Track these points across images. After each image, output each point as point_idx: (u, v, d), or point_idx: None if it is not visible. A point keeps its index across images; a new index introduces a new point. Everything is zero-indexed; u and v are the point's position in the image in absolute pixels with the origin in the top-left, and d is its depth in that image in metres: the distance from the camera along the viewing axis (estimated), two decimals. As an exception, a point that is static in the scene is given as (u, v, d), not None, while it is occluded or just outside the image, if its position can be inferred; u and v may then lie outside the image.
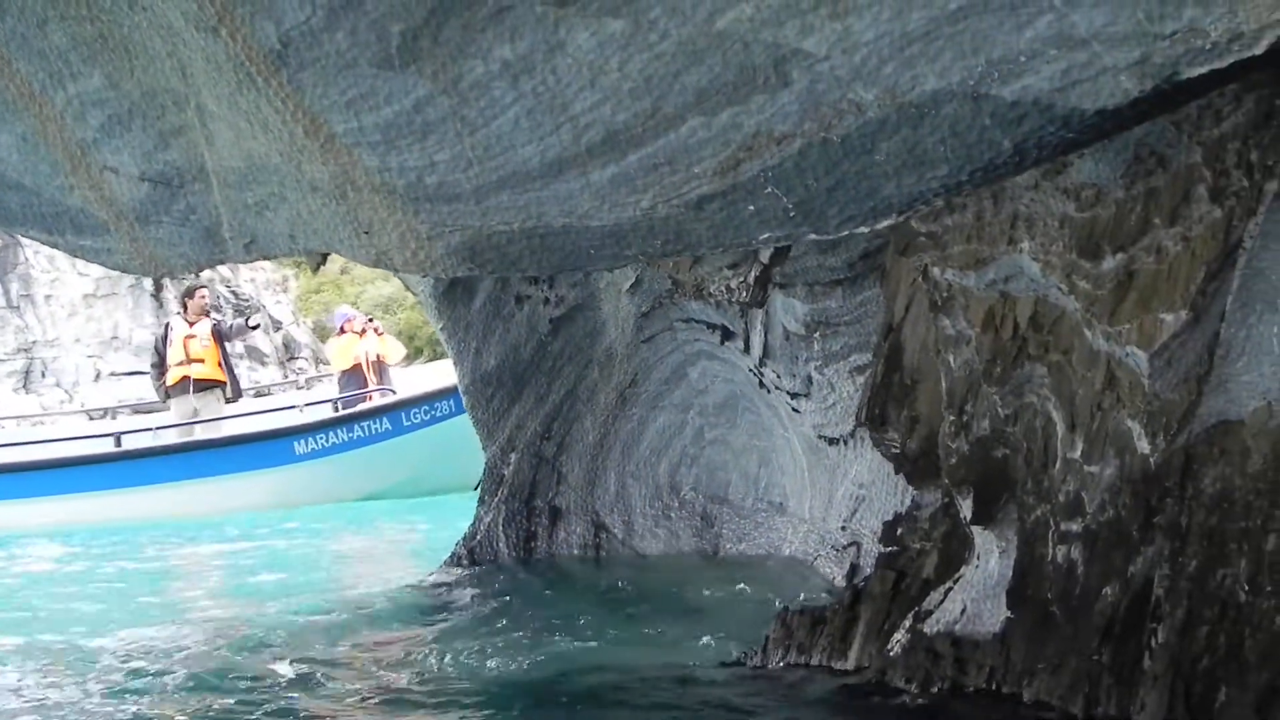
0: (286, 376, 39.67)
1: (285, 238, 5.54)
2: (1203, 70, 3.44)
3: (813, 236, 4.31)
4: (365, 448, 22.23)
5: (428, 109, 4.50)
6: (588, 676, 8.56)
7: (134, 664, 9.40)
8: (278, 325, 40.05)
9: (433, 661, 9.04)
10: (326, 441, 22.33)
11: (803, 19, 3.75)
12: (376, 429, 22.23)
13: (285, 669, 8.99)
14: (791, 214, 4.20)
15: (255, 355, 37.24)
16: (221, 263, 6.05)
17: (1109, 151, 6.24)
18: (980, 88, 3.69)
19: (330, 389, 26.43)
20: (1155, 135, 6.16)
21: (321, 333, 46.87)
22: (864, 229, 4.23)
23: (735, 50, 3.89)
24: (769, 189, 4.14)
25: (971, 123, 3.78)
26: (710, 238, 4.44)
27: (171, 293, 41.41)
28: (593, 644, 9.32)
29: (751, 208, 4.24)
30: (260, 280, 43.22)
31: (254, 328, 26.20)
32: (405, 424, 22.18)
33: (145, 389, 34.35)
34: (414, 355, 43.13)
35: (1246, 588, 6.37)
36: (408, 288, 12.04)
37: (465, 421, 20.66)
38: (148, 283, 42.60)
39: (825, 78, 3.84)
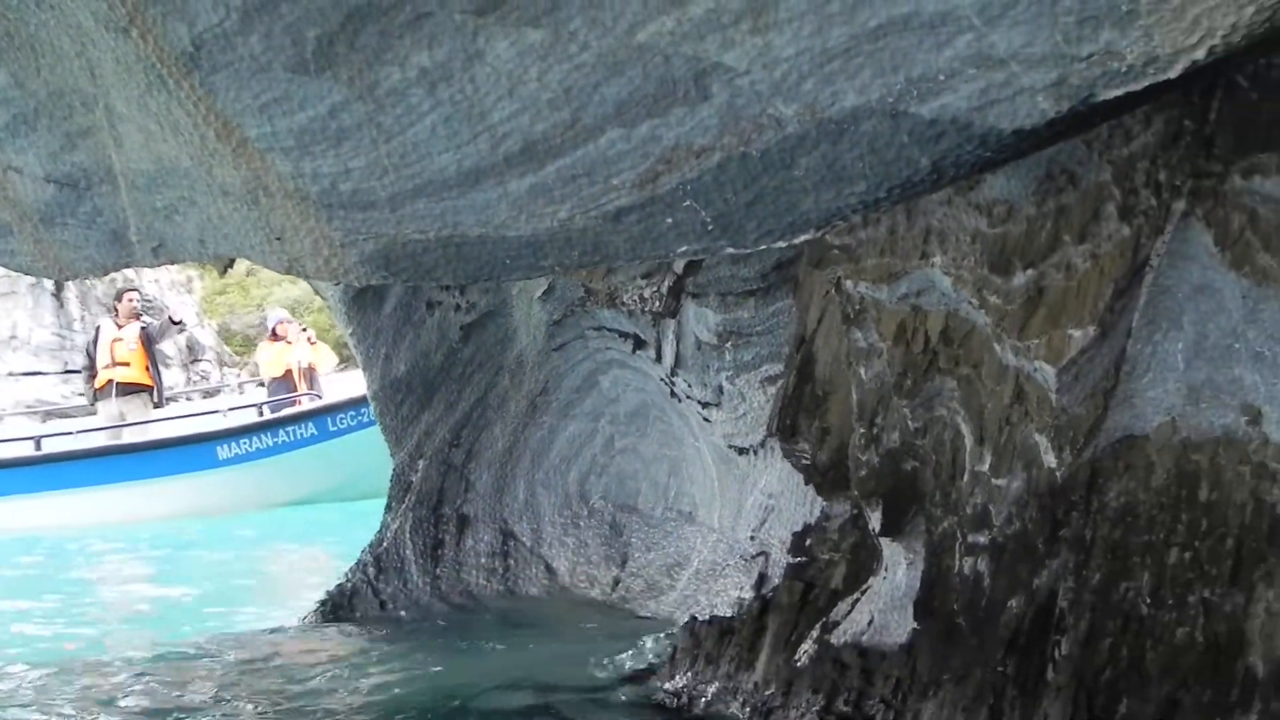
0: (190, 380, 39.25)
1: (194, 242, 5.46)
2: (1118, 92, 3.49)
3: (730, 250, 4.32)
4: (290, 453, 21.94)
5: (343, 115, 4.45)
6: (488, 695, 8.53)
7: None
8: (181, 327, 39.58)
9: (328, 684, 8.98)
10: (250, 446, 22.02)
11: (724, 33, 3.76)
12: (302, 434, 21.94)
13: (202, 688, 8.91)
14: (710, 227, 4.20)
15: (160, 358, 36.78)
16: (128, 266, 5.95)
17: (1021, 168, 6.32)
18: (899, 105, 3.72)
19: (260, 394, 26.13)
20: (1066, 153, 6.24)
21: (226, 335, 46.38)
22: (782, 243, 4.24)
23: (656, 63, 3.89)
24: (687, 202, 4.15)
25: (890, 140, 3.80)
26: (628, 250, 4.43)
27: (73, 293, 40.73)
28: (495, 662, 9.30)
29: (670, 220, 4.24)
30: (165, 281, 42.66)
31: (178, 323, 25.85)
32: (331, 429, 21.90)
33: (45, 389, 33.80)
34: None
35: (1149, 601, 6.46)
36: (317, 292, 11.94)
37: None
38: (48, 282, 41.91)
39: (745, 92, 3.85)
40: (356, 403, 21.55)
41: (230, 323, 46.79)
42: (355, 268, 4.95)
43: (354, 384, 25.49)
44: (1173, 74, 3.38)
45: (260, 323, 44.95)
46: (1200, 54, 3.33)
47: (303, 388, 23.89)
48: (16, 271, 6.48)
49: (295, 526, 19.84)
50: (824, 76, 3.73)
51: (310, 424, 21.99)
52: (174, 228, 5.48)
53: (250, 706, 8.40)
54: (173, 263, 5.92)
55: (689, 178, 4.08)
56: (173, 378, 38.18)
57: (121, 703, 8.53)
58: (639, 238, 4.35)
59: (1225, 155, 6.04)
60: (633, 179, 4.16)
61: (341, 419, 21.72)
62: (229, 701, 8.52)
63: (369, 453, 20.85)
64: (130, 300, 24.13)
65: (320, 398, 23.20)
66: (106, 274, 6.38)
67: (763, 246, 4.25)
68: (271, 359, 24.81)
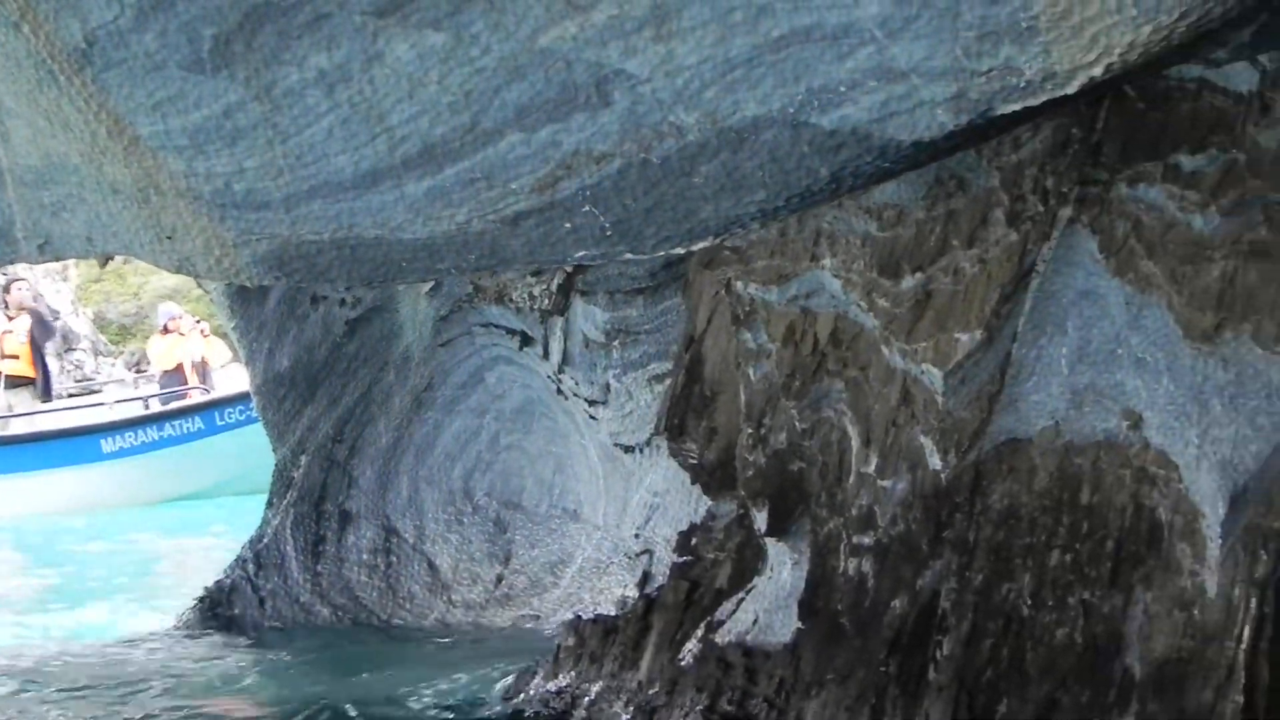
0: (64, 369, 38.45)
1: (82, 240, 5.35)
2: (1016, 107, 3.53)
3: (629, 256, 4.32)
4: (176, 447, 21.51)
5: (238, 115, 4.38)
6: (373, 705, 8.48)
7: None
8: (56, 315, 38.75)
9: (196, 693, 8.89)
10: (135, 440, 21.55)
11: (626, 40, 3.75)
12: (189, 428, 21.48)
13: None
14: (608, 233, 4.19)
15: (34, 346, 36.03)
16: (13, 262, 5.84)
17: (911, 174, 6.37)
18: (800, 116, 3.73)
19: (148, 388, 25.64)
20: (956, 159, 6.31)
21: (102, 324, 45.46)
22: (680, 250, 4.24)
23: (557, 68, 3.87)
24: (587, 208, 4.13)
25: (790, 150, 3.81)
26: (525, 254, 4.41)
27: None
28: (379, 670, 9.24)
29: (568, 225, 4.22)
30: (39, 269, 41.75)
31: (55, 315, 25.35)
32: (219, 423, 21.47)
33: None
34: (197, 348, 42.11)
35: (1029, 602, 6.56)
36: (200, 285, 11.76)
37: None
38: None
39: (647, 99, 3.84)
40: (245, 397, 21.21)
41: (106, 311, 45.89)
42: (247, 268, 4.88)
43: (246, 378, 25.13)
44: (1070, 90, 3.43)
45: (137, 311, 44.22)
46: (1098, 71, 3.38)
47: (194, 381, 23.52)
48: (-102, 264, 6.32)
49: (180, 521, 19.51)
50: (726, 85, 3.74)
51: (197, 418, 21.57)
52: (61, 225, 5.36)
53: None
54: (59, 259, 5.80)
55: (589, 183, 4.07)
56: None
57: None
58: (537, 242, 4.33)
59: (1111, 164, 6.15)
60: (532, 184, 4.14)
61: (229, 413, 21.34)
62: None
63: (257, 448, 20.59)
64: (19, 291, 23.67)
65: (210, 391, 22.81)
66: (-11, 269, 6.25)
67: (661, 253, 4.25)
68: (163, 352, 24.39)
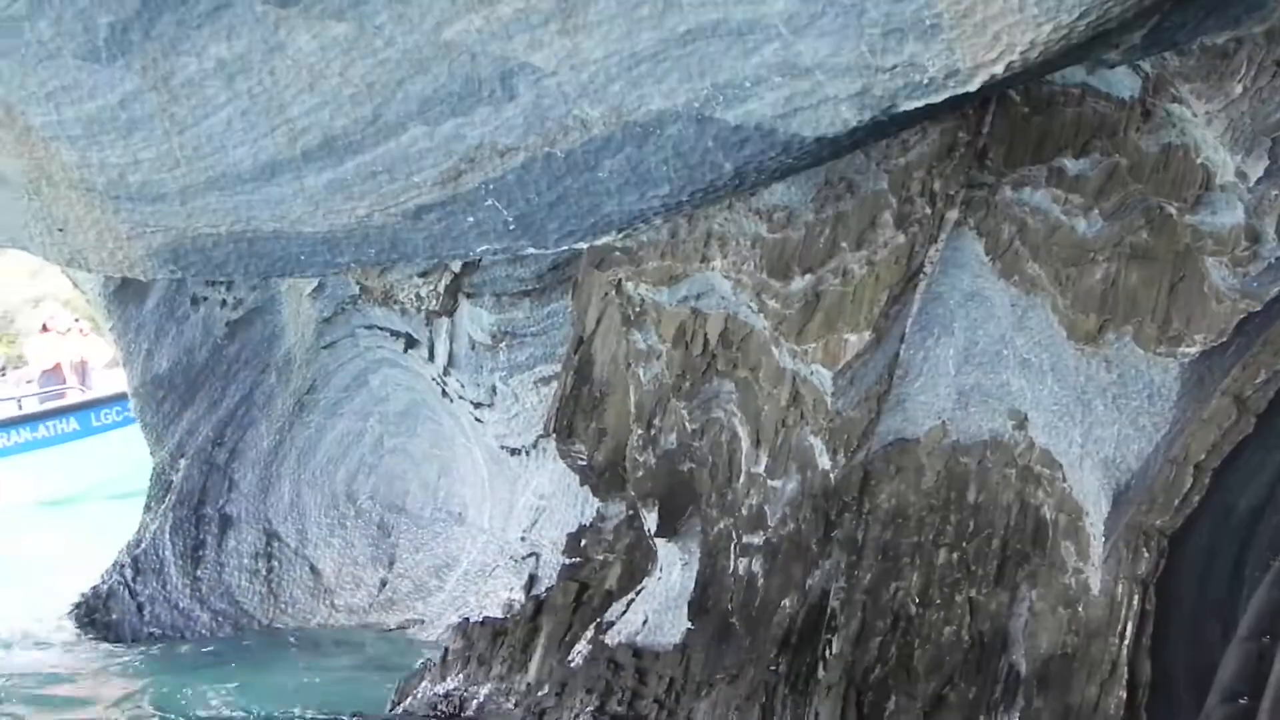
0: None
1: (-34, 232, 5.25)
2: (919, 104, 3.57)
3: (532, 250, 4.30)
4: (51, 448, 20.97)
5: (135, 105, 4.30)
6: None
7: None
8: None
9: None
10: (8, 440, 21.01)
11: (532, 33, 3.74)
12: (63, 428, 20.96)
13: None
14: (511, 227, 4.17)
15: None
16: (-106, 255, 5.69)
17: (801, 175, 6.41)
18: (705, 110, 3.74)
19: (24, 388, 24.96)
20: (845, 161, 6.36)
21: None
22: (583, 244, 4.24)
23: (462, 61, 3.85)
24: (490, 201, 4.11)
25: (695, 144, 3.83)
26: (427, 248, 4.38)
27: None
28: (264, 676, 9.14)
29: (471, 219, 4.20)
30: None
31: None
32: (95, 424, 20.96)
33: None
34: (65, 353, 41.19)
35: (917, 600, 6.65)
36: (76, 285, 11.50)
37: None
38: None
39: (552, 93, 3.83)
40: (123, 397, 20.67)
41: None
42: (141, 261, 4.79)
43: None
44: (972, 87, 3.48)
45: (2, 317, 43.15)
46: (999, 69, 3.43)
47: (73, 381, 22.98)
48: None
49: (57, 524, 19.02)
50: (631, 80, 3.74)
51: (73, 418, 21.07)
52: (-55, 216, 5.25)
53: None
54: (-57, 251, 5.67)
55: (492, 177, 4.05)
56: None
57: None
58: (439, 236, 4.30)
59: (997, 167, 6.24)
60: (435, 177, 4.11)
61: (106, 414, 20.86)
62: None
63: (137, 450, 20.15)
64: None
65: (86, 392, 22.26)
66: None
67: (564, 247, 4.25)
68: (42, 351, 23.82)
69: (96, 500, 20.27)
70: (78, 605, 10.98)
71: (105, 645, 10.50)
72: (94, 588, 11.06)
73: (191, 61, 4.12)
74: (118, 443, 20.44)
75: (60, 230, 4.83)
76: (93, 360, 22.84)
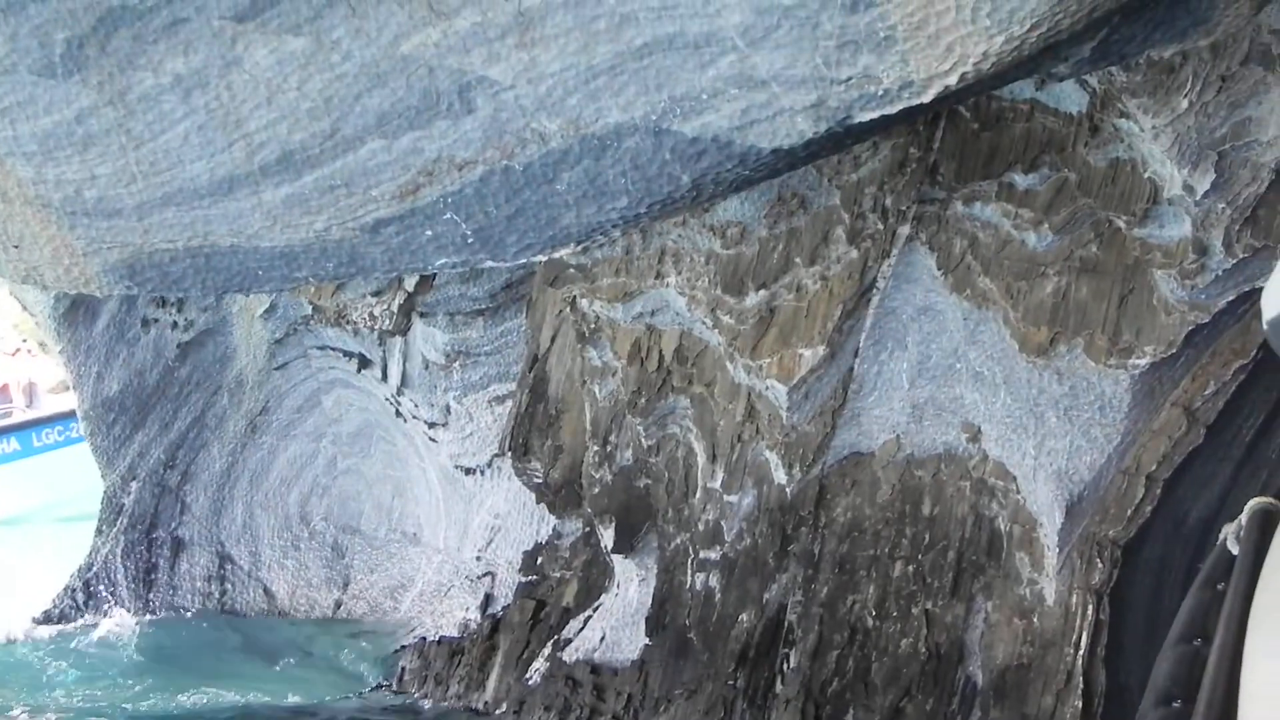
0: None
1: (-80, 249, 5.20)
2: (874, 115, 3.61)
3: (489, 264, 4.31)
4: None
5: (90, 120, 4.28)
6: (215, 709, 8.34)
7: None
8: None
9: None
10: None
11: (489, 47, 3.76)
12: (4, 449, 20.67)
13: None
14: (470, 240, 4.18)
15: None
16: None
17: (754, 191, 6.46)
18: (662, 123, 3.77)
19: None
20: (797, 177, 6.41)
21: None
22: (542, 257, 4.25)
23: (420, 75, 3.86)
24: (448, 215, 4.12)
25: (652, 156, 3.85)
26: (385, 262, 4.38)
27: None
28: (217, 687, 9.07)
29: (430, 233, 4.21)
30: None
31: None
32: (36, 444, 20.67)
33: None
34: (11, 379, 40.79)
35: (874, 613, 6.68)
36: (25, 308, 11.40)
37: None
38: None
39: (509, 106, 3.85)
40: (66, 417, 20.38)
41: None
42: (98, 277, 4.76)
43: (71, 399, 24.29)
44: (926, 98, 3.52)
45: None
46: (953, 80, 3.47)
47: (20, 402, 22.68)
48: None
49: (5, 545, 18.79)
50: (589, 93, 3.76)
51: (13, 438, 20.80)
52: (-103, 233, 5.20)
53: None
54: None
55: (450, 190, 4.06)
56: None
57: None
58: (397, 250, 4.30)
59: (948, 182, 6.30)
60: (393, 190, 4.12)
61: (47, 433, 20.59)
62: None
63: (80, 470, 19.91)
64: None
65: (28, 412, 21.94)
66: None
67: (522, 260, 4.25)
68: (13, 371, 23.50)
69: (41, 521, 20.03)
70: (27, 632, 10.86)
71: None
72: (45, 612, 10.95)
73: (148, 76, 4.11)
74: (60, 463, 20.22)
75: (15, 247, 4.79)
76: (40, 382, 22.57)
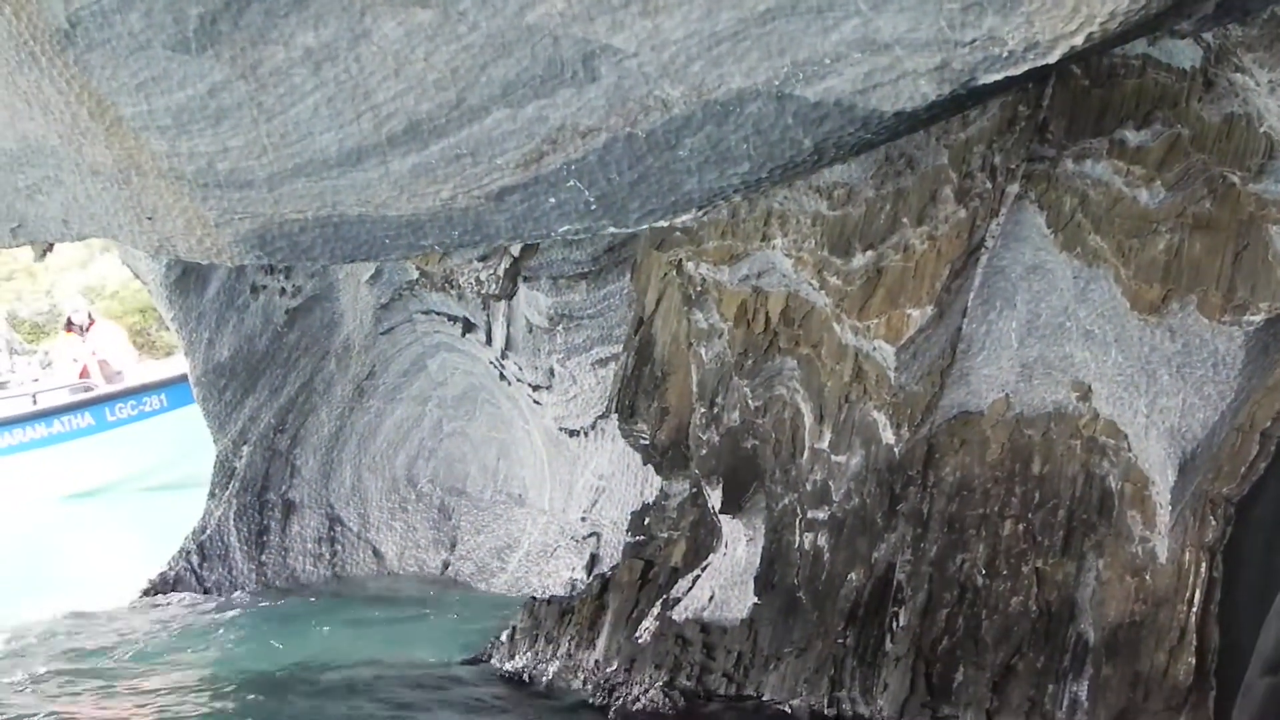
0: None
1: (58, 222, 5.33)
2: (999, 77, 3.62)
3: (612, 230, 4.37)
4: (65, 443, 21.02)
5: (223, 94, 4.39)
6: (329, 676, 8.50)
7: None
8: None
9: (173, 662, 8.87)
10: (25, 436, 21.05)
11: (613, 15, 3.81)
12: (79, 423, 20.99)
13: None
14: (593, 207, 4.25)
15: (-52, 347, 35.38)
16: (-15, 246, 5.79)
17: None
18: (785, 88, 3.80)
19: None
20: (905, 138, 6.41)
21: (15, 322, 44.61)
22: (664, 223, 4.30)
23: (544, 44, 3.92)
24: (571, 182, 4.18)
25: (775, 121, 3.89)
26: (509, 229, 4.45)
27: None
28: (336, 643, 9.25)
29: (553, 200, 4.27)
30: (-50, 265, 41.07)
31: None
32: (110, 419, 20.99)
33: None
34: (113, 345, 41.47)
35: (984, 572, 6.70)
36: (137, 275, 11.61)
37: (178, 417, 19.96)
38: None
39: (633, 74, 3.90)
40: (136, 392, 20.65)
41: (18, 310, 45.11)
42: (229, 247, 4.89)
43: (148, 372, 24.65)
44: (1052, 59, 3.53)
45: (50, 309, 43.55)
46: (1079, 40, 3.48)
47: (98, 377, 22.99)
48: None
49: (78, 518, 19.09)
50: (712, 59, 3.80)
51: (87, 413, 21.04)
52: (36, 207, 5.34)
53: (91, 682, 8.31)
54: (32, 243, 5.76)
55: (574, 158, 4.12)
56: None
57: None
58: (521, 217, 4.38)
59: (1058, 140, 6.28)
60: (517, 159, 4.19)
61: (120, 408, 20.84)
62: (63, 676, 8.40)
63: (154, 444, 20.29)
64: None
65: (88, 387, 22.15)
66: (-40, 254, 6.21)
67: (644, 226, 4.31)
68: (67, 349, 23.80)
69: (119, 494, 20.33)
70: (145, 591, 11.13)
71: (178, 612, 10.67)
72: (160, 574, 11.21)
73: (279, 50, 4.21)
74: (134, 437, 20.50)
75: (149, 219, 4.92)
76: (114, 361, 22.59)
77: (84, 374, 22.44)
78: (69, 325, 23.19)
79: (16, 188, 5.33)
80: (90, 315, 23.37)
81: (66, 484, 20.72)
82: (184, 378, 20.97)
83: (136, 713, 7.59)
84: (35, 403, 21.67)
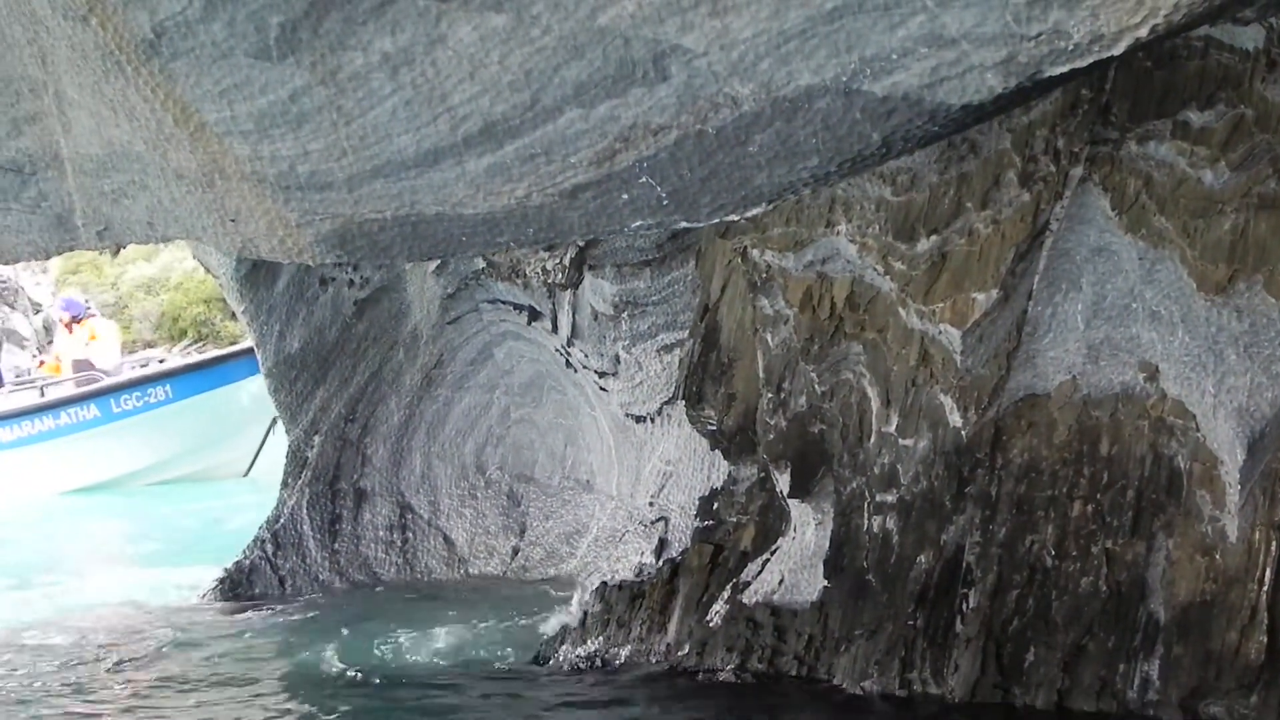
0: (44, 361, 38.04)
1: (143, 225, 5.47)
2: (1065, 69, 3.66)
3: (683, 224, 4.45)
4: (72, 435, 20.97)
5: (304, 99, 4.50)
6: (408, 663, 8.63)
7: None
8: (37, 308, 38.62)
9: (245, 653, 9.03)
10: (33, 429, 21.02)
11: (683, 16, 3.87)
12: (84, 415, 20.93)
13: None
14: (665, 202, 4.32)
15: (15, 339, 35.86)
16: (72, 249, 5.93)
17: (924, 138, 6.50)
18: (852, 84, 3.86)
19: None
20: (967, 123, 6.45)
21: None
22: (734, 217, 4.38)
23: (616, 45, 3.99)
24: (644, 179, 4.26)
25: (843, 117, 3.95)
26: (583, 226, 4.54)
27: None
28: (410, 631, 9.38)
29: (625, 197, 4.35)
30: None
31: None
32: (115, 410, 20.93)
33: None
34: (178, 337, 41.96)
35: (1053, 553, 6.74)
36: (208, 270, 11.79)
37: (184, 408, 20.14)
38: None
39: (703, 73, 3.97)
40: (140, 383, 20.57)
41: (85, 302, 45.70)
42: (310, 247, 5.00)
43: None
44: (1117, 51, 3.57)
45: (115, 301, 43.99)
46: (1144, 32, 3.51)
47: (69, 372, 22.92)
48: (-44, 257, 6.38)
49: (84, 512, 19.19)
50: (780, 57, 3.86)
51: (93, 405, 20.99)
52: (122, 211, 5.48)
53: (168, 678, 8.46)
54: (118, 245, 5.90)
55: (646, 155, 4.20)
56: (27, 359, 36.97)
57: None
58: (594, 214, 4.46)
59: (1121, 122, 6.30)
60: (590, 157, 4.27)
61: (126, 399, 20.78)
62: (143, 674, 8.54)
63: (164, 435, 20.64)
64: None
65: (98, 376, 22.10)
66: (49, 257, 6.36)
67: (715, 220, 4.39)
68: (69, 344, 23.65)
69: (124, 488, 20.39)
70: (221, 581, 11.30)
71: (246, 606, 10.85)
72: (236, 563, 11.37)
73: (358, 56, 4.30)
74: (139, 429, 20.51)
75: (233, 221, 5.04)
76: (99, 354, 22.42)
77: (87, 365, 22.20)
78: (74, 320, 22.93)
79: (103, 192, 5.46)
80: (79, 313, 23.06)
81: (72, 478, 20.72)
82: (188, 369, 21.13)
83: (211, 708, 7.73)
84: (43, 395, 21.65)
